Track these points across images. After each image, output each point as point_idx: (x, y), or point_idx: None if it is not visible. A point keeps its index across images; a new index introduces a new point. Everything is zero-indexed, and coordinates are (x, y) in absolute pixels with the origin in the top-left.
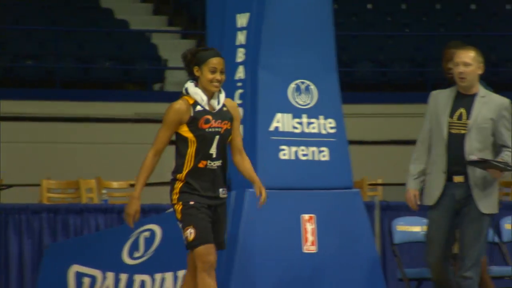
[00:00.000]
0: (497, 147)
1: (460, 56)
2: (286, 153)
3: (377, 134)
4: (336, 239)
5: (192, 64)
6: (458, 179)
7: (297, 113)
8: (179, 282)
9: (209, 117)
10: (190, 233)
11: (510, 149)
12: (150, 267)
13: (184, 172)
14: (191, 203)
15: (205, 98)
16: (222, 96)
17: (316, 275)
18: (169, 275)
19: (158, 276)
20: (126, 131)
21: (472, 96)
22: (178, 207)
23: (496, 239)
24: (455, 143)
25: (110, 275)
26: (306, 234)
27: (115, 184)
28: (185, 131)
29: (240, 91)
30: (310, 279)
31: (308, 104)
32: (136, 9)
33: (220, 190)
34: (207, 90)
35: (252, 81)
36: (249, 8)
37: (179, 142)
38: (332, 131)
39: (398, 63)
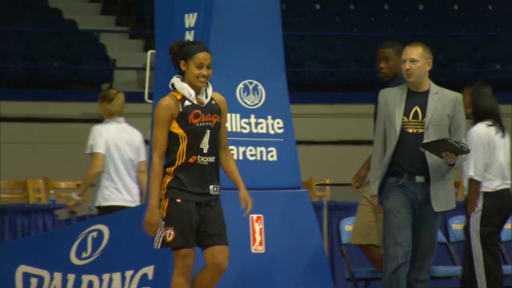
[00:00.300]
0: None
1: (407, 52)
2: (234, 153)
3: (325, 134)
4: (284, 239)
5: (178, 58)
6: (420, 179)
7: (245, 113)
8: (127, 282)
9: (199, 111)
10: (170, 234)
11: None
12: (97, 268)
13: (174, 167)
14: (178, 201)
15: (192, 92)
16: (210, 89)
17: (265, 275)
18: (116, 275)
19: (106, 277)
20: (74, 131)
21: (425, 93)
22: (165, 203)
23: (444, 239)
24: (414, 142)
25: (58, 276)
26: (254, 234)
27: (63, 185)
28: (175, 127)
29: None
30: (259, 279)
31: (256, 104)
32: (84, 9)
33: (211, 187)
34: (193, 85)
35: None
36: (197, 8)
37: (170, 139)
38: (280, 131)
39: (346, 63)
